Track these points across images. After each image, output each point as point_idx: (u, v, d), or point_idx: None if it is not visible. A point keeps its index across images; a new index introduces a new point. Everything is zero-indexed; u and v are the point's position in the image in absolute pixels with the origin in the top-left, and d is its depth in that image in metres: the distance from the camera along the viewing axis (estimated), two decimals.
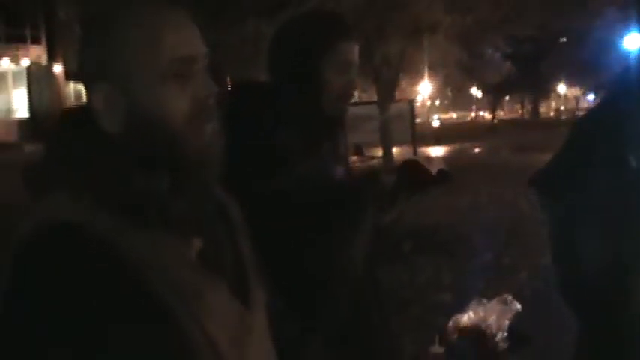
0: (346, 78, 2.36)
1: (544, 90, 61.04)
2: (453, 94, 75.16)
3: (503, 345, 5.66)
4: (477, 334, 5.74)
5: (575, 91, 67.63)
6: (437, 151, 30.52)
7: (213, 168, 1.37)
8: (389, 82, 15.83)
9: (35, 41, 35.58)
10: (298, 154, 2.25)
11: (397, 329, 5.84)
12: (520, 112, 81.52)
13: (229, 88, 2.43)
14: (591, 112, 3.21)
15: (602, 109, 2.95)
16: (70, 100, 34.67)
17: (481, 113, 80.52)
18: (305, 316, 1.85)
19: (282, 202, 2.14)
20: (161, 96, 1.28)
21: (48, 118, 30.09)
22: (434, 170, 2.45)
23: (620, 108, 2.67)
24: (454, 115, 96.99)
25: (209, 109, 1.33)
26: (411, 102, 15.13)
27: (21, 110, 36.09)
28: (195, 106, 1.30)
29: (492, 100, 58.30)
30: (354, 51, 2.38)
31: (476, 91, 61.92)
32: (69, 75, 34.26)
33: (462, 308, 6.04)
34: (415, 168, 2.46)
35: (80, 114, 1.34)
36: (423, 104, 50.77)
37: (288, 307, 1.77)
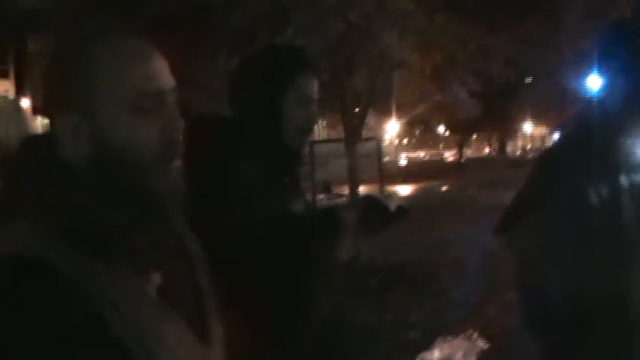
0: (306, 112, 2.37)
1: (511, 129, 61.64)
2: (420, 132, 75.72)
3: None
4: None
5: (542, 130, 68.40)
6: (404, 190, 30.64)
7: (176, 204, 1.35)
8: (357, 119, 15.93)
9: (3, 75, 35.35)
10: (259, 189, 2.23)
11: None
12: (487, 150, 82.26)
13: (192, 121, 2.40)
14: (551, 150, 3.23)
15: (561, 147, 2.97)
16: None
17: (447, 153, 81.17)
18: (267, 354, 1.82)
19: (242, 237, 2.12)
20: (128, 129, 1.26)
21: None
22: (393, 206, 2.45)
23: (580, 145, 2.69)
24: (422, 154, 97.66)
25: (176, 144, 1.32)
26: (379, 140, 15.18)
27: None
28: (162, 141, 1.29)
29: (460, 139, 58.72)
30: (314, 85, 2.39)
31: (443, 130, 62.34)
32: (36, 110, 34.03)
33: (429, 346, 6.05)
34: (373, 204, 2.46)
35: (43, 144, 1.31)
36: (391, 143, 51.07)
37: (252, 345, 1.75)
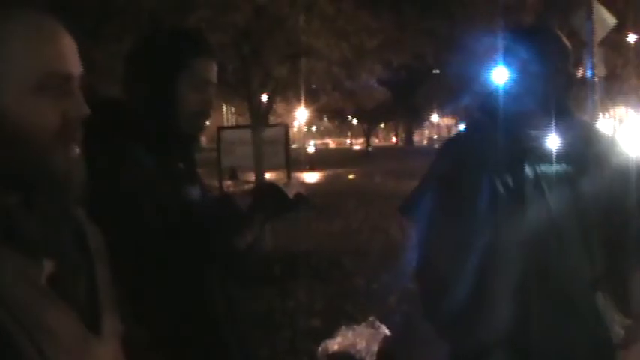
0: (202, 96, 2.33)
1: (418, 118, 62.60)
2: (329, 121, 76.20)
3: None
4: (346, 358, 5.77)
5: (448, 121, 69.62)
6: (311, 177, 30.80)
7: (73, 189, 1.32)
8: (263, 106, 15.89)
9: None
10: (152, 174, 2.19)
11: (267, 354, 5.83)
12: (394, 140, 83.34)
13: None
14: (455, 137, 3.28)
15: (465, 135, 3.01)
16: None
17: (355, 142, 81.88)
18: (163, 344, 1.78)
19: (135, 225, 2.08)
20: (31, 109, 1.23)
21: None
22: (291, 194, 2.43)
23: (484, 134, 2.72)
24: (330, 142, 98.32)
25: (78, 130, 1.30)
26: (286, 127, 15.12)
27: None
28: (64, 124, 1.26)
29: (367, 128, 59.30)
30: (212, 69, 2.36)
31: (351, 119, 62.86)
32: None
33: (331, 333, 6.07)
34: (271, 191, 2.44)
35: None
36: (300, 130, 51.19)
37: (147, 335, 1.71)
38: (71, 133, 1.28)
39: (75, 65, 1.31)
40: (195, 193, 2.38)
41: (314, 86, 20.55)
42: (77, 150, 1.31)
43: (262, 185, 2.54)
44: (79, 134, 1.31)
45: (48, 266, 1.27)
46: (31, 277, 1.23)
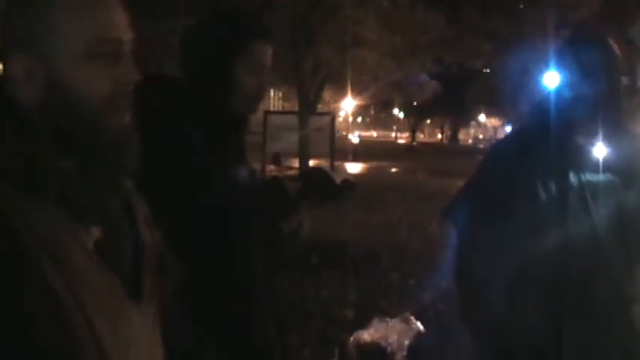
0: (258, 79, 2.35)
1: (465, 117, 62.25)
2: (375, 112, 75.99)
3: None
4: (377, 351, 5.76)
5: (495, 122, 69.04)
6: (354, 168, 30.75)
7: (125, 157, 1.35)
8: (312, 93, 15.89)
9: None
10: (203, 153, 2.21)
11: (297, 342, 5.84)
12: (439, 136, 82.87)
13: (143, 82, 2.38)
14: (503, 141, 3.25)
15: (513, 139, 2.99)
16: None
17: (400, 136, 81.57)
18: (201, 324, 1.80)
19: (184, 202, 2.10)
20: (82, 74, 1.26)
21: None
22: (339, 180, 2.43)
23: (532, 140, 2.71)
24: (375, 134, 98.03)
25: (129, 96, 1.32)
26: (333, 115, 15.18)
27: None
28: (115, 90, 1.29)
29: (413, 122, 59.04)
30: (268, 53, 2.37)
31: (398, 112, 62.61)
32: None
33: (364, 325, 6.06)
34: (319, 175, 2.44)
35: None
36: (345, 120, 51.09)
37: (186, 313, 1.73)
38: (122, 99, 1.31)
39: (125, 31, 1.33)
40: (244, 174, 2.39)
41: (363, 77, 20.50)
42: (128, 117, 1.33)
43: (311, 169, 2.55)
44: (131, 101, 1.33)
45: (95, 232, 1.30)
46: (80, 241, 1.26)
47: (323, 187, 2.43)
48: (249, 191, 2.36)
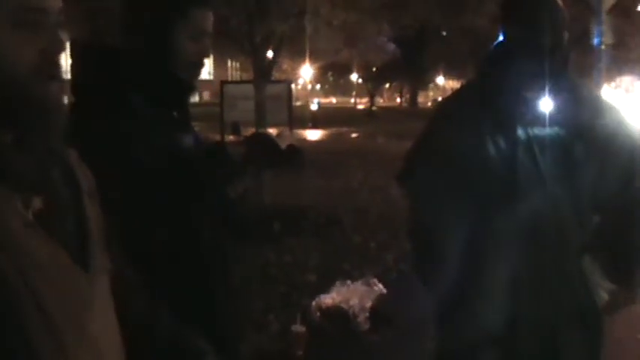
0: (198, 46, 2.34)
1: (423, 80, 62.26)
2: (334, 79, 75.83)
3: (365, 326, 5.75)
4: (339, 314, 5.81)
5: (454, 83, 69.22)
6: (314, 135, 30.74)
7: (57, 125, 1.34)
8: (267, 62, 15.81)
9: None
10: (147, 121, 2.21)
11: (261, 307, 5.86)
12: (398, 100, 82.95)
13: (82, 50, 2.38)
14: (450, 98, 3.28)
15: (461, 97, 3.02)
16: None
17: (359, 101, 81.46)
18: (154, 291, 1.81)
19: (128, 170, 2.09)
20: (7, 45, 1.24)
21: None
22: (284, 145, 2.44)
23: (478, 95, 2.73)
24: (334, 100, 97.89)
25: (56, 65, 1.30)
26: (289, 83, 15.08)
27: None
28: (42, 60, 1.27)
29: (372, 87, 59.02)
30: (208, 19, 2.36)
31: (356, 78, 62.53)
32: None
33: (326, 289, 6.10)
34: (264, 141, 2.45)
35: None
36: (304, 87, 50.97)
37: (137, 278, 1.74)
38: (50, 67, 1.29)
39: (52, 1, 1.31)
40: (188, 141, 2.39)
41: (319, 46, 20.45)
42: (56, 85, 1.31)
43: (255, 135, 2.54)
44: (59, 69, 1.31)
45: (36, 202, 1.29)
46: (19, 212, 1.25)
47: (267, 152, 2.43)
48: (192, 157, 2.36)
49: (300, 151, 2.52)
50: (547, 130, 2.65)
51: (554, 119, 2.65)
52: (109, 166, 1.96)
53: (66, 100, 1.41)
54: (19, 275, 1.20)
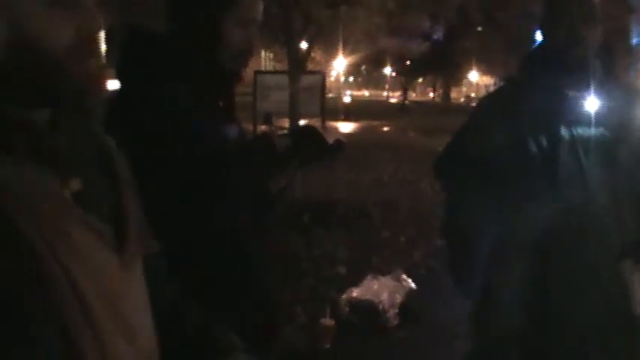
0: (246, 33, 2.31)
1: (456, 76, 62.06)
2: (367, 71, 75.75)
3: (394, 321, 5.74)
4: (368, 308, 5.80)
5: (487, 80, 68.87)
6: (345, 127, 30.71)
7: (94, 107, 1.34)
8: (302, 52, 15.80)
9: None
10: (192, 109, 2.19)
11: (289, 299, 5.86)
12: (431, 95, 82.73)
13: (125, 35, 2.37)
14: (491, 96, 3.24)
15: (502, 94, 2.98)
16: None
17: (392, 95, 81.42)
18: (185, 277, 1.79)
19: (171, 157, 2.08)
20: (45, 23, 1.22)
21: None
22: (331, 139, 2.40)
23: (520, 93, 2.70)
24: (366, 93, 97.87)
25: (94, 44, 1.29)
26: (323, 74, 15.05)
27: None
28: (79, 39, 1.25)
29: (405, 81, 58.88)
30: (258, 7, 2.33)
31: (390, 71, 62.38)
32: None
33: (355, 283, 6.09)
34: (310, 134, 2.41)
35: None
36: (337, 79, 50.92)
37: (171, 266, 1.72)
38: (87, 48, 1.27)
39: None
40: (233, 131, 2.37)
41: (354, 36, 20.40)
42: (98, 64, 1.30)
43: (302, 127, 2.51)
44: (97, 48, 1.30)
45: (75, 183, 1.28)
46: (56, 192, 1.24)
47: (313, 145, 2.40)
48: (237, 148, 2.34)
49: (345, 145, 2.48)
50: (591, 131, 2.61)
51: (599, 119, 2.61)
52: (152, 154, 1.96)
53: (109, 85, 1.38)
54: (54, 258, 1.18)
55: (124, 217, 1.41)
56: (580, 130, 2.60)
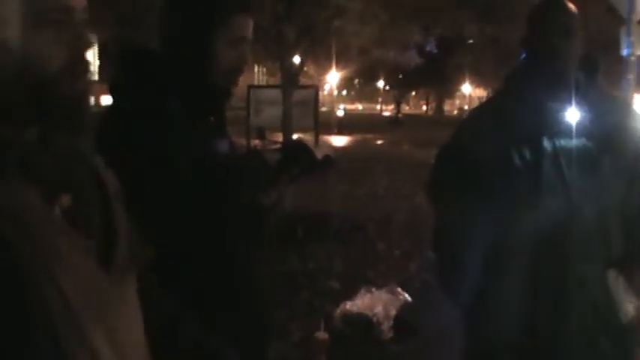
0: (238, 52, 2.33)
1: (449, 88, 62.18)
2: (360, 85, 75.86)
3: (388, 334, 5.73)
4: (363, 322, 5.79)
5: (480, 92, 69.03)
6: (339, 141, 30.74)
7: (83, 125, 1.34)
8: (295, 67, 15.84)
9: None
10: (184, 126, 2.20)
11: (284, 314, 5.85)
12: (424, 108, 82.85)
13: (119, 50, 2.41)
14: (476, 109, 3.26)
15: (487, 106, 3.00)
16: None
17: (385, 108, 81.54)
18: (179, 292, 1.80)
19: (163, 173, 2.09)
20: (34, 43, 1.24)
21: None
22: (320, 154, 2.42)
23: (504, 105, 2.72)
24: (360, 107, 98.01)
25: (84, 62, 1.32)
26: (316, 88, 15.13)
27: None
28: (70, 57, 1.28)
29: (398, 94, 58.97)
30: (248, 26, 2.35)
31: (383, 85, 62.52)
32: None
33: (350, 296, 6.09)
34: (300, 148, 2.43)
35: None
36: (330, 93, 51.00)
37: (164, 281, 1.73)
38: (77, 67, 1.30)
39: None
40: (223, 147, 2.39)
41: (347, 49, 20.46)
42: (86, 82, 1.32)
43: (292, 142, 2.53)
44: (87, 66, 1.33)
45: (64, 199, 1.29)
46: (45, 210, 1.25)
47: (303, 160, 2.42)
48: (228, 164, 2.36)
49: (334, 161, 2.50)
50: (574, 142, 2.63)
51: (581, 130, 2.62)
52: (142, 168, 1.97)
53: (94, 100, 1.41)
54: (44, 271, 1.19)
55: (114, 233, 1.42)
56: (562, 142, 2.62)
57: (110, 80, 2.28)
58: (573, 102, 2.61)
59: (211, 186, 2.21)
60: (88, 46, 1.31)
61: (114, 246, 1.40)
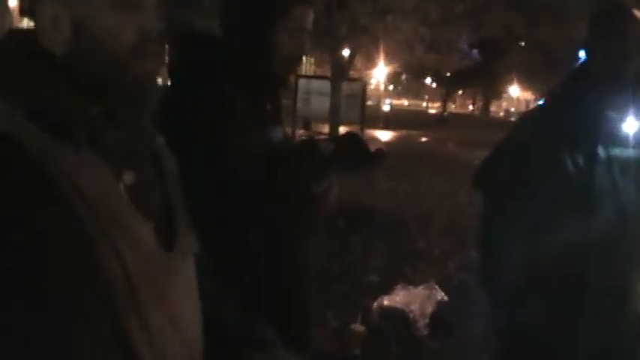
0: (297, 42, 2.35)
1: (497, 89, 61.61)
2: (407, 81, 75.51)
3: (424, 331, 5.75)
4: (399, 317, 5.81)
5: (528, 95, 68.36)
6: (384, 136, 30.65)
7: (148, 104, 1.38)
8: (345, 59, 15.82)
9: None
10: (240, 112, 2.23)
11: (321, 305, 5.89)
12: (471, 107, 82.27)
13: (181, 37, 2.43)
14: (532, 112, 3.25)
15: (543, 111, 2.99)
16: None
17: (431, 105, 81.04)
18: (225, 276, 1.83)
19: (218, 158, 2.13)
20: (107, 22, 1.29)
21: None
22: (373, 148, 2.44)
23: (559, 112, 2.71)
24: (406, 102, 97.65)
25: (153, 44, 1.35)
26: (364, 83, 15.09)
27: None
28: (139, 38, 1.32)
29: (445, 92, 58.60)
30: (309, 17, 2.37)
31: (430, 81, 62.17)
32: (23, 11, 33.49)
33: (388, 291, 6.10)
34: (355, 140, 2.45)
35: (25, 33, 1.34)
36: (377, 87, 50.78)
37: (212, 263, 1.76)
38: (146, 48, 1.33)
39: None
40: (278, 134, 2.42)
41: (397, 45, 20.37)
42: (154, 63, 1.36)
43: (346, 134, 2.54)
44: (156, 48, 1.36)
45: (128, 176, 1.33)
46: (112, 185, 1.29)
47: (356, 152, 2.44)
48: (282, 151, 2.38)
49: (387, 156, 2.51)
50: (629, 151, 2.62)
51: (637, 141, 2.62)
52: (199, 154, 2.00)
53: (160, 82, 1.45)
54: (110, 246, 1.23)
55: (172, 213, 1.46)
56: (617, 151, 2.61)
57: (170, 65, 2.32)
58: (631, 112, 2.61)
59: (264, 171, 2.24)
60: (158, 29, 1.35)
61: (173, 226, 1.44)
